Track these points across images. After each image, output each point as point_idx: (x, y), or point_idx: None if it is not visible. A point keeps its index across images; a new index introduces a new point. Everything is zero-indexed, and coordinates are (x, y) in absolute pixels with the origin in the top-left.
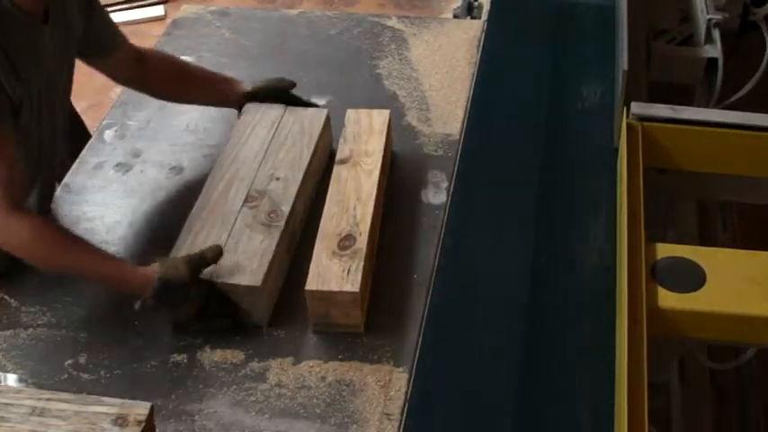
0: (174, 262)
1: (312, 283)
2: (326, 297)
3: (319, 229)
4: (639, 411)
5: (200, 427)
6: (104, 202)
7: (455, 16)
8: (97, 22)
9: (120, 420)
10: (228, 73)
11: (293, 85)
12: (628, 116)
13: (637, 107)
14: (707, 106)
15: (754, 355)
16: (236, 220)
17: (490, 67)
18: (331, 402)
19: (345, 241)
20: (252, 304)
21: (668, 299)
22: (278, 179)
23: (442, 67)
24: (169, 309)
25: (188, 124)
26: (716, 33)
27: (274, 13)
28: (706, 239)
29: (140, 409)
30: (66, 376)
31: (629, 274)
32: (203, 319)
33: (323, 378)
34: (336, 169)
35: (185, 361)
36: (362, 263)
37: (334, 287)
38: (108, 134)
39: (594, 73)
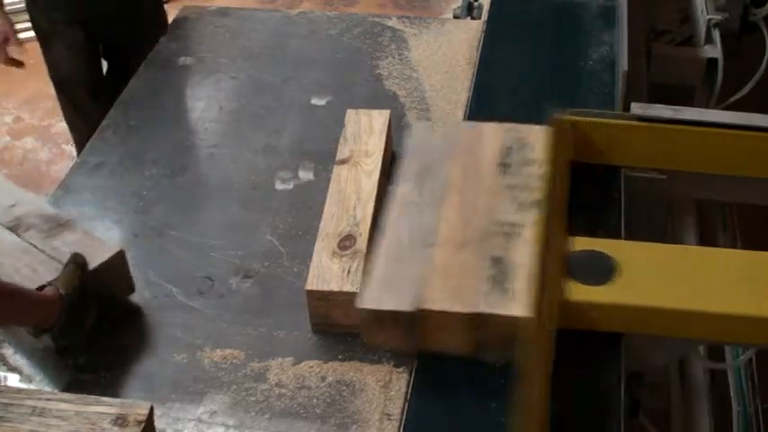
0: (64, 277)
1: (312, 283)
2: (326, 297)
3: (319, 229)
4: (540, 403)
5: (199, 426)
6: (104, 201)
7: (455, 16)
8: None
9: (120, 420)
10: (229, 73)
11: None
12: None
13: (637, 107)
14: (707, 107)
15: (754, 355)
16: None
17: (490, 68)
18: (331, 402)
19: (345, 241)
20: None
21: (578, 291)
22: None
23: (442, 68)
24: (77, 325)
25: (188, 125)
26: (716, 34)
27: (274, 14)
28: (706, 240)
29: (140, 408)
30: (66, 376)
31: (541, 266)
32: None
33: (323, 378)
34: (336, 169)
35: (185, 361)
36: (362, 263)
37: (334, 287)
38: (108, 134)
39: (594, 73)
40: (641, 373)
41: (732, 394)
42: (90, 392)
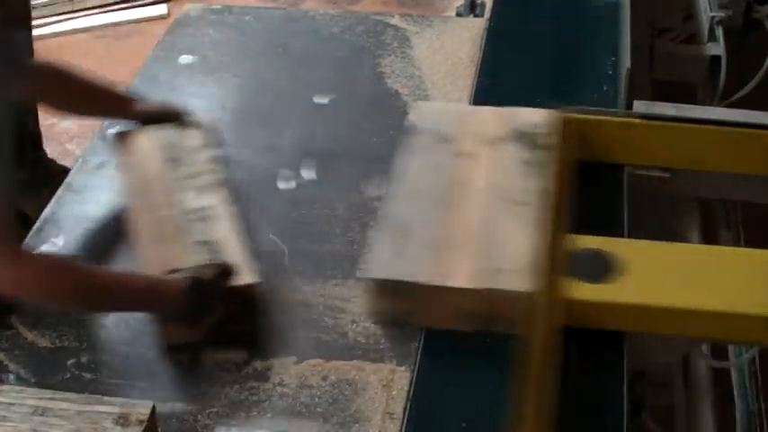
0: (196, 268)
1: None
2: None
3: None
4: (544, 406)
5: (201, 426)
6: (106, 201)
7: (458, 14)
8: None
9: (122, 420)
10: (231, 71)
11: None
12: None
13: (639, 105)
14: (710, 104)
15: (757, 353)
16: None
17: (493, 66)
18: (333, 402)
19: None
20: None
21: (581, 290)
22: None
23: (444, 66)
24: (201, 311)
25: None
26: (719, 31)
27: (277, 12)
28: (709, 238)
29: (142, 408)
30: (68, 375)
31: (544, 265)
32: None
33: (325, 377)
34: None
35: (187, 360)
36: None
37: None
38: (110, 133)
39: (598, 71)
40: (644, 371)
41: (735, 392)
42: (92, 392)
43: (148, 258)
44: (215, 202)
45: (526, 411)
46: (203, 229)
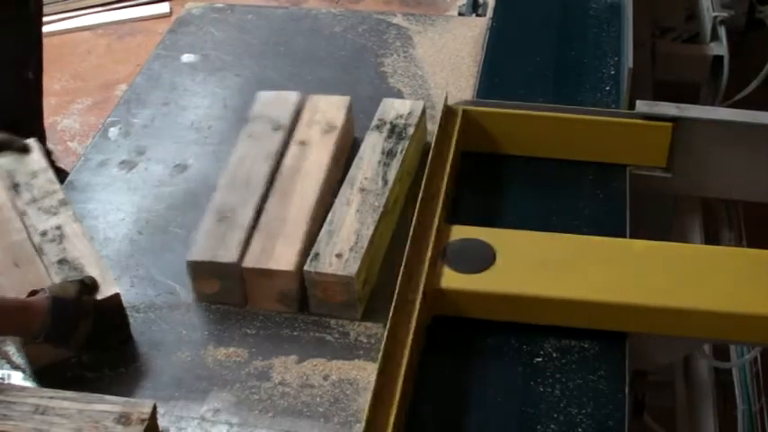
0: (59, 286)
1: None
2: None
3: None
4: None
5: (203, 425)
6: (108, 199)
7: (460, 14)
8: None
9: (124, 419)
10: (233, 70)
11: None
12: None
13: (642, 105)
14: (713, 104)
15: (759, 353)
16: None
17: (495, 65)
18: (334, 401)
19: None
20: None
21: (452, 279)
22: None
23: (447, 65)
24: (66, 329)
25: (193, 122)
26: (722, 31)
27: (279, 11)
28: (712, 238)
29: (143, 407)
30: (69, 374)
31: (414, 253)
32: (97, 339)
33: (326, 377)
34: None
35: (189, 359)
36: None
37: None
38: (112, 132)
39: (600, 71)
40: (646, 371)
41: (737, 393)
42: (93, 391)
43: (6, 284)
44: (64, 221)
45: (386, 396)
46: (58, 249)
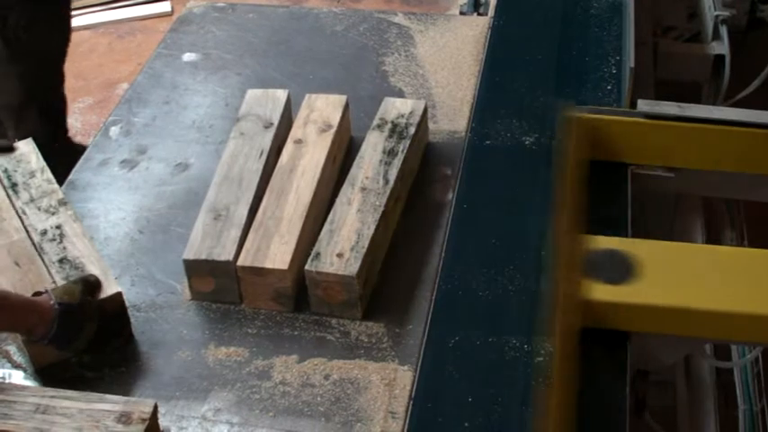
0: (64, 288)
1: None
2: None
3: None
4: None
5: (204, 424)
6: (109, 198)
7: (462, 13)
8: None
9: (124, 418)
10: (234, 69)
11: None
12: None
13: (643, 104)
14: (714, 103)
15: (760, 353)
16: None
17: (497, 64)
18: (335, 401)
19: None
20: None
21: (600, 291)
22: None
23: (448, 64)
24: (71, 334)
25: (194, 121)
26: (723, 30)
27: (280, 10)
28: (713, 238)
29: (144, 406)
30: (70, 374)
31: (561, 266)
32: (99, 340)
33: (327, 376)
34: None
35: (189, 358)
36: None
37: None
38: (113, 131)
39: (602, 70)
40: (647, 371)
41: (738, 393)
42: (94, 390)
43: (7, 283)
44: (64, 220)
45: (548, 411)
46: (58, 248)
